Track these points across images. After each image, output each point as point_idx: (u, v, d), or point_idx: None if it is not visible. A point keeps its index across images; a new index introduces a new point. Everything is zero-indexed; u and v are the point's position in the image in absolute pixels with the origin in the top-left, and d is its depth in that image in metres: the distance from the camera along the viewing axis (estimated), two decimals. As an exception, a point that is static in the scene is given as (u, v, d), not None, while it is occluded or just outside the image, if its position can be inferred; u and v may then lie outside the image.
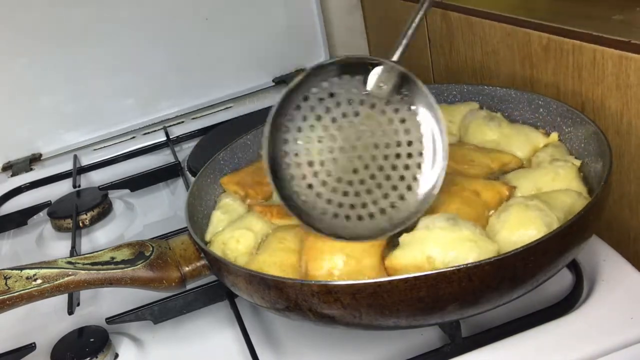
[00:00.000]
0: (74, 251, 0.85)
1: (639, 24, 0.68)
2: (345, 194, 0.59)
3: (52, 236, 0.95)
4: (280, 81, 1.31)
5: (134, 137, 1.23)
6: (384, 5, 1.23)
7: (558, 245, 0.52)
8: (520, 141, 0.70)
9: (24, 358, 0.68)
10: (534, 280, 0.53)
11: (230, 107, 1.26)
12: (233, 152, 0.80)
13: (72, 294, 0.73)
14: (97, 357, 0.64)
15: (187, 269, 0.64)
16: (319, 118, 0.60)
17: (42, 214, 1.02)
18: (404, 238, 0.55)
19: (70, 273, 0.61)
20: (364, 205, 0.59)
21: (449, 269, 0.48)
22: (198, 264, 0.64)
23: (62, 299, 0.72)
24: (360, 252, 0.56)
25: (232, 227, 0.66)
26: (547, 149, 0.68)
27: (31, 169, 1.19)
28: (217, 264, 0.60)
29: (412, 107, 0.59)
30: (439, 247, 0.53)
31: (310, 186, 0.60)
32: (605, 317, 0.57)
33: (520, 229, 0.55)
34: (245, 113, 1.19)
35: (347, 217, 0.59)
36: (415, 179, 0.58)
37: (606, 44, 0.67)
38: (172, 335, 0.68)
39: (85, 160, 1.18)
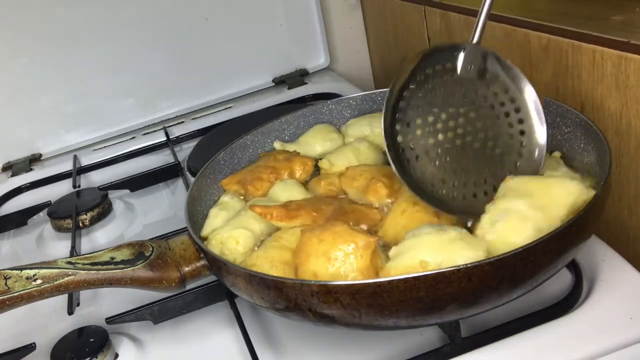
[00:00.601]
0: (73, 251, 0.85)
1: (638, 24, 0.68)
2: (461, 172, 0.63)
3: (52, 236, 0.95)
4: (279, 81, 1.31)
5: (133, 138, 1.23)
6: (384, 5, 1.23)
7: (557, 246, 0.52)
8: None
9: (24, 358, 0.68)
10: (534, 281, 0.53)
11: (230, 107, 1.26)
12: (233, 153, 0.80)
13: (72, 294, 0.73)
14: (97, 357, 0.64)
15: (186, 269, 0.64)
16: (425, 107, 0.63)
17: (42, 214, 1.02)
18: (393, 251, 0.55)
19: (70, 273, 0.61)
20: (475, 181, 0.62)
21: (448, 269, 0.48)
22: (198, 264, 0.64)
23: (62, 299, 0.72)
24: (347, 254, 0.56)
25: (230, 226, 0.66)
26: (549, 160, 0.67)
27: (31, 169, 1.19)
28: (216, 264, 0.60)
29: (503, 81, 0.63)
30: (430, 250, 0.53)
31: (426, 166, 0.63)
32: (604, 317, 0.57)
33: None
34: (245, 113, 1.19)
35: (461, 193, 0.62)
36: (522, 145, 0.63)
37: (606, 44, 0.67)
38: (172, 335, 0.68)
39: (85, 161, 1.18)
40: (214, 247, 0.65)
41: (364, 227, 0.63)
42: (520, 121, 0.64)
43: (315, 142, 0.82)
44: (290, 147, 0.82)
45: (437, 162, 0.63)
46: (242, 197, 0.74)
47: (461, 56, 0.64)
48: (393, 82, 0.62)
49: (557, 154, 0.68)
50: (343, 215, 0.64)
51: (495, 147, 0.64)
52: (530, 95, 0.64)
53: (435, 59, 0.64)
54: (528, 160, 0.63)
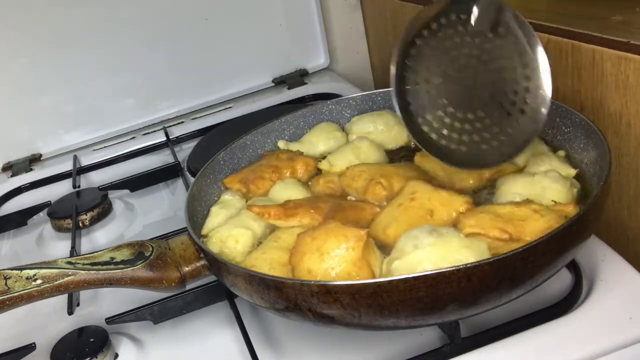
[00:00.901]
0: (73, 251, 0.85)
1: (638, 25, 0.68)
2: (465, 122, 0.63)
3: (52, 236, 0.95)
4: (279, 81, 1.31)
5: (133, 138, 1.23)
6: (384, 6, 1.23)
7: (557, 246, 0.52)
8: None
9: (24, 358, 0.68)
10: (533, 281, 0.53)
11: (230, 107, 1.26)
12: (233, 153, 0.80)
13: (72, 294, 0.73)
14: (97, 357, 0.64)
15: (186, 269, 0.64)
16: (435, 56, 0.63)
17: (42, 214, 1.02)
18: (397, 265, 0.54)
19: (70, 273, 0.61)
20: (480, 133, 0.62)
21: (448, 269, 0.48)
22: (198, 264, 0.64)
23: (62, 299, 0.72)
24: (339, 249, 0.56)
25: (230, 225, 0.67)
26: (550, 157, 0.67)
27: (31, 169, 1.19)
28: (216, 264, 0.60)
29: (515, 35, 0.62)
30: (436, 264, 0.52)
31: (433, 116, 0.63)
32: (604, 317, 0.57)
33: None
34: (245, 113, 1.19)
35: (464, 144, 0.63)
36: (526, 102, 0.62)
37: (605, 44, 0.67)
38: (172, 335, 0.69)
39: (85, 161, 1.18)
40: (214, 245, 0.65)
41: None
42: (527, 78, 0.63)
43: (319, 140, 0.82)
44: (294, 146, 0.82)
45: (442, 111, 0.64)
46: (243, 196, 0.74)
47: (475, 8, 0.63)
48: (407, 27, 0.62)
49: (561, 152, 0.68)
50: (341, 212, 0.64)
51: (500, 101, 0.63)
52: (540, 54, 0.62)
53: (451, 9, 0.63)
54: (530, 118, 0.62)
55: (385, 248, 0.60)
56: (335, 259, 0.56)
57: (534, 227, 0.55)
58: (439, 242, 0.54)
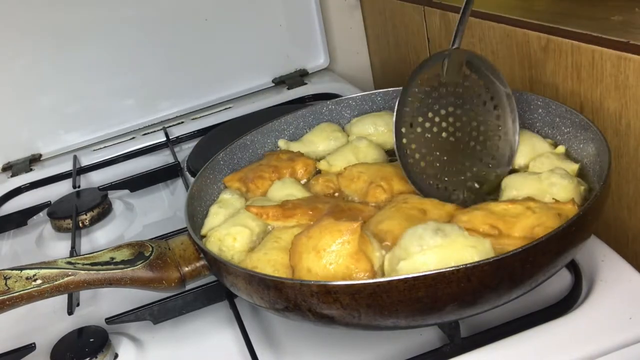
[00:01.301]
0: (73, 251, 0.85)
1: (637, 25, 0.68)
2: (448, 168, 0.68)
3: (52, 236, 0.95)
4: (279, 82, 1.31)
5: (133, 138, 1.23)
6: (384, 6, 1.23)
7: (557, 246, 0.52)
8: (525, 151, 0.70)
9: (24, 358, 0.68)
10: (533, 281, 0.53)
11: (230, 107, 1.26)
12: (232, 153, 0.80)
13: (71, 294, 0.73)
14: (96, 357, 0.64)
15: (186, 269, 0.64)
16: (426, 110, 0.68)
17: (42, 214, 1.02)
18: (402, 266, 0.54)
19: (70, 273, 0.61)
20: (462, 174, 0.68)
21: (447, 269, 0.48)
22: (197, 264, 0.64)
23: (61, 299, 0.72)
24: (335, 244, 0.56)
25: (228, 224, 0.67)
26: (550, 157, 0.67)
27: (31, 170, 1.19)
28: (216, 264, 0.60)
29: (481, 74, 0.70)
30: (443, 265, 0.52)
31: (423, 164, 0.68)
32: (604, 317, 0.57)
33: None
34: (245, 113, 1.19)
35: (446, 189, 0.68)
36: (500, 137, 0.70)
37: (605, 44, 0.67)
38: (172, 335, 0.69)
39: (85, 161, 1.18)
40: (212, 244, 0.66)
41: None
42: (495, 107, 0.70)
43: (319, 140, 0.82)
44: (294, 146, 0.82)
45: (433, 159, 0.68)
46: (242, 195, 0.74)
47: (445, 62, 0.68)
48: (402, 90, 0.67)
49: (561, 148, 0.68)
50: (339, 213, 0.64)
51: (479, 135, 0.70)
52: (501, 82, 0.70)
53: (427, 68, 0.69)
54: (504, 141, 0.70)
55: (378, 240, 0.59)
56: (332, 255, 0.56)
57: (524, 224, 0.56)
58: (445, 243, 0.53)
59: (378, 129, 0.81)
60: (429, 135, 0.68)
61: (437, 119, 0.68)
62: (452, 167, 0.68)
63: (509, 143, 0.70)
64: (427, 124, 0.68)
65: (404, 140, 0.67)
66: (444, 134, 0.69)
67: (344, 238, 0.56)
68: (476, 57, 0.70)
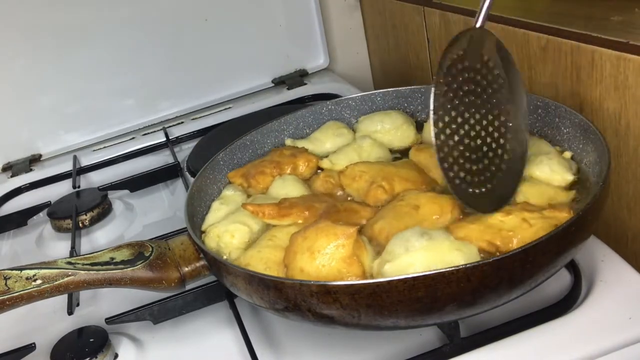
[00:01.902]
0: (73, 251, 0.85)
1: (637, 25, 0.68)
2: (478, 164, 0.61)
3: (51, 236, 0.95)
4: (279, 82, 1.31)
5: (133, 138, 1.23)
6: (383, 6, 1.23)
7: (556, 246, 0.52)
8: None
9: (24, 358, 0.69)
10: (533, 281, 0.53)
11: (230, 107, 1.26)
12: (232, 153, 0.80)
13: (71, 294, 0.73)
14: (96, 357, 0.65)
15: (186, 269, 0.64)
16: (454, 98, 0.61)
17: (42, 215, 1.02)
18: (387, 268, 0.55)
19: (70, 273, 0.61)
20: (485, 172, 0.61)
21: (447, 270, 0.48)
22: (197, 264, 0.64)
23: (61, 299, 0.72)
24: (329, 247, 0.57)
25: (227, 220, 0.67)
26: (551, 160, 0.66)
27: (31, 170, 1.19)
28: (216, 264, 0.60)
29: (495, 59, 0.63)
30: (427, 267, 0.53)
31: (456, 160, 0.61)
32: (603, 317, 0.57)
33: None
34: (245, 114, 1.19)
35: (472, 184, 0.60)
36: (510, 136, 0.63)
37: (604, 45, 0.68)
38: (172, 335, 0.69)
39: (85, 161, 1.18)
40: (211, 239, 0.66)
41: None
42: (508, 101, 0.64)
43: (326, 138, 0.82)
44: (301, 144, 0.82)
45: (461, 151, 0.61)
46: (245, 191, 0.75)
47: (468, 40, 0.62)
48: (433, 85, 0.61)
49: (567, 154, 0.68)
50: (335, 213, 0.64)
51: (494, 131, 0.63)
52: (512, 65, 0.64)
53: (455, 47, 0.62)
54: (515, 139, 0.63)
55: (374, 242, 0.60)
56: (325, 257, 0.56)
57: (522, 238, 0.55)
58: (430, 245, 0.54)
59: (384, 127, 0.81)
60: (455, 127, 0.61)
61: (461, 108, 0.62)
62: (473, 165, 0.62)
63: (520, 142, 0.63)
64: (454, 113, 0.61)
65: (440, 125, 0.60)
66: (466, 126, 0.62)
67: (339, 242, 0.56)
68: (499, 42, 0.63)
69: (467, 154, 0.61)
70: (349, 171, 0.72)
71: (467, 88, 0.62)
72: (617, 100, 0.68)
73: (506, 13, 0.84)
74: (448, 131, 0.60)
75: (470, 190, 0.61)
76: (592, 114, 0.72)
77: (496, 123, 0.63)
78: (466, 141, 0.61)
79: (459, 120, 0.61)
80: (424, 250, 0.53)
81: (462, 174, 0.60)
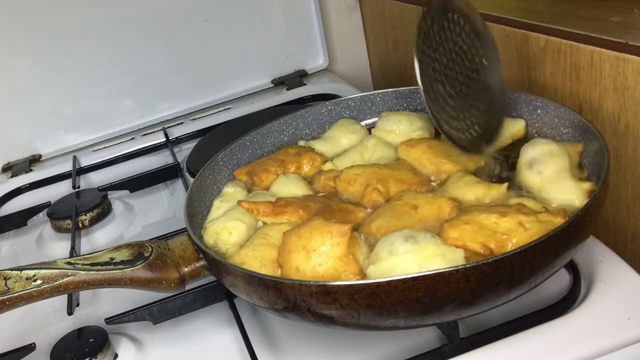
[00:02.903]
0: (73, 252, 0.85)
1: (636, 26, 0.68)
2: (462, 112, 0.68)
3: (51, 237, 0.95)
4: (278, 82, 1.31)
5: (133, 138, 1.23)
6: (383, 7, 1.23)
7: (556, 246, 0.52)
8: None
9: (24, 358, 0.69)
10: (532, 281, 0.53)
11: (229, 108, 1.26)
12: (232, 153, 0.80)
13: (71, 294, 0.73)
14: (96, 358, 0.65)
15: (186, 269, 0.64)
16: (435, 51, 0.67)
17: (42, 215, 1.02)
18: (371, 270, 0.55)
19: (69, 274, 0.61)
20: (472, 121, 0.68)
21: (447, 270, 0.48)
22: (197, 264, 0.64)
23: (61, 299, 0.72)
24: (324, 245, 0.57)
25: (226, 217, 0.67)
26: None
27: (31, 170, 1.19)
28: (216, 265, 0.60)
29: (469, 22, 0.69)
30: (409, 272, 0.52)
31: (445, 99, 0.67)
32: (602, 318, 0.57)
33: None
34: (244, 114, 1.19)
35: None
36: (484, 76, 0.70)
37: (604, 45, 0.68)
38: (171, 335, 0.69)
39: (85, 161, 1.18)
40: (209, 236, 0.66)
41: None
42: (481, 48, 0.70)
43: (341, 135, 0.82)
44: (317, 144, 0.81)
45: (446, 103, 0.67)
46: (247, 188, 0.75)
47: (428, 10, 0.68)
48: (415, 39, 0.67)
49: (579, 146, 0.68)
50: (329, 213, 0.64)
51: (471, 79, 0.69)
52: (483, 26, 0.70)
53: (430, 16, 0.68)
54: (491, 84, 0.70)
55: (371, 240, 0.60)
56: (321, 256, 0.56)
57: (517, 242, 0.55)
58: (413, 249, 0.54)
59: (400, 127, 0.79)
60: (440, 83, 0.67)
61: (443, 63, 0.67)
62: (460, 113, 0.67)
63: (498, 79, 0.69)
64: (437, 71, 0.67)
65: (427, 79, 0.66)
66: (449, 79, 0.68)
67: (334, 240, 0.56)
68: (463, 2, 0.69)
69: (452, 103, 0.67)
70: (344, 175, 0.71)
71: (445, 46, 0.67)
72: (616, 100, 0.68)
73: (505, 13, 0.84)
74: (434, 85, 0.67)
75: (464, 136, 0.67)
76: (591, 115, 0.72)
77: (473, 65, 0.69)
78: (449, 89, 0.68)
79: (441, 73, 0.67)
80: (407, 254, 0.53)
81: (452, 122, 0.66)
